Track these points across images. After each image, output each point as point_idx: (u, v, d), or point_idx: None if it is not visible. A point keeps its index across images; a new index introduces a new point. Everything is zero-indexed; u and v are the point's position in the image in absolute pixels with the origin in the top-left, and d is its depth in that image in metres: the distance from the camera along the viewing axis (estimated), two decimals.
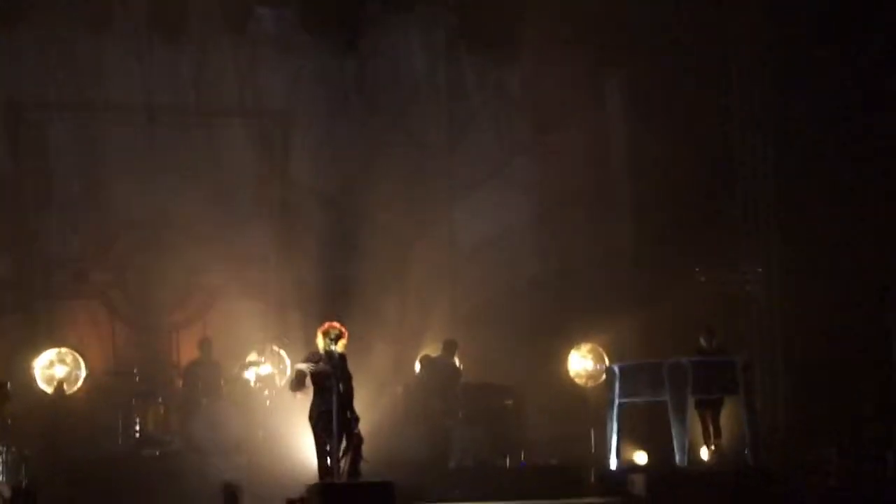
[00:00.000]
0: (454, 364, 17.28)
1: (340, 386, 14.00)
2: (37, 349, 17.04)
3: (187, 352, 17.65)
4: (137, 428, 16.44)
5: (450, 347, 17.38)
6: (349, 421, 14.05)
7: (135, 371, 17.03)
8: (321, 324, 14.70)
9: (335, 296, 18.40)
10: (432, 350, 17.60)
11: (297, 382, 14.08)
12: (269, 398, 16.49)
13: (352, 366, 14.45)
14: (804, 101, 17.51)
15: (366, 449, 14.19)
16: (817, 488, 14.76)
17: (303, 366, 13.98)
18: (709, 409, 16.16)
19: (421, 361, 17.62)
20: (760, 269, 17.52)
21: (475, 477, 15.70)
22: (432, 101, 18.99)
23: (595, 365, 17.87)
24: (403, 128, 18.60)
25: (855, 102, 17.22)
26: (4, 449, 14.34)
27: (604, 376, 17.19)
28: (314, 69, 18.34)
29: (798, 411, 17.40)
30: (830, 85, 17.27)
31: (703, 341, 16.41)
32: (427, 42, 18.79)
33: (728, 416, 16.25)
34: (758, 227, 18.24)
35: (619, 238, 18.67)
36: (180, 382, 17.13)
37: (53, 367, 16.71)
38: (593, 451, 16.65)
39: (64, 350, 16.86)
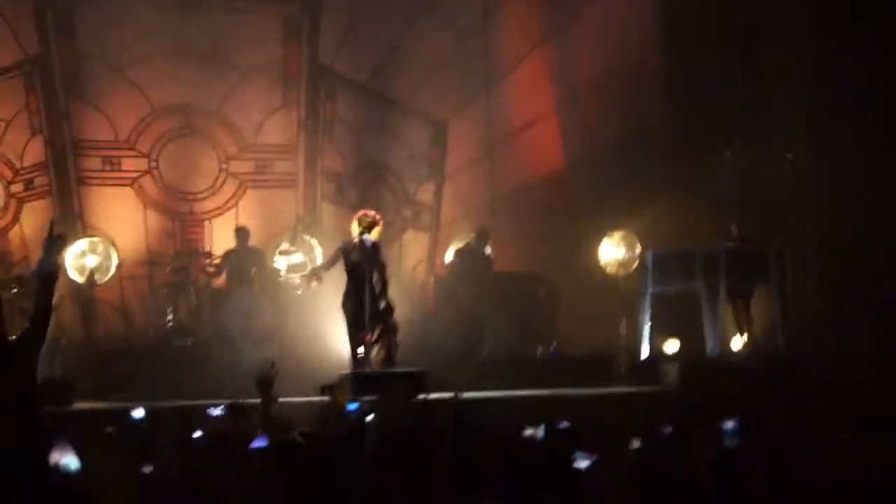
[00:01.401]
0: (486, 253, 17.25)
1: (374, 275, 14.06)
2: (69, 236, 17.04)
3: (221, 240, 17.61)
4: (169, 318, 16.46)
5: (482, 236, 17.35)
6: (382, 309, 14.11)
7: (167, 261, 17.07)
8: (354, 212, 14.77)
9: (368, 183, 18.39)
10: (465, 238, 17.54)
11: (311, 275, 14.33)
12: (301, 287, 16.44)
13: (386, 254, 14.51)
14: None
15: (399, 338, 14.28)
16: (844, 378, 14.68)
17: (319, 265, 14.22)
18: (741, 297, 16.11)
19: (454, 250, 17.59)
20: (790, 156, 17.27)
21: (507, 366, 15.72)
22: None
23: (627, 252, 17.70)
24: (435, 11, 18.34)
25: None
26: None
27: (636, 264, 17.17)
28: None
29: (830, 299, 17.28)
30: None
31: (734, 229, 16.33)
32: None
33: (760, 304, 16.23)
34: (789, 107, 17.94)
35: (651, 118, 18.39)
36: (212, 271, 17.10)
37: (85, 257, 16.64)
38: (625, 340, 16.59)
39: (96, 239, 16.82)
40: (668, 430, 8.72)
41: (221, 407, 10.47)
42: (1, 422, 6.96)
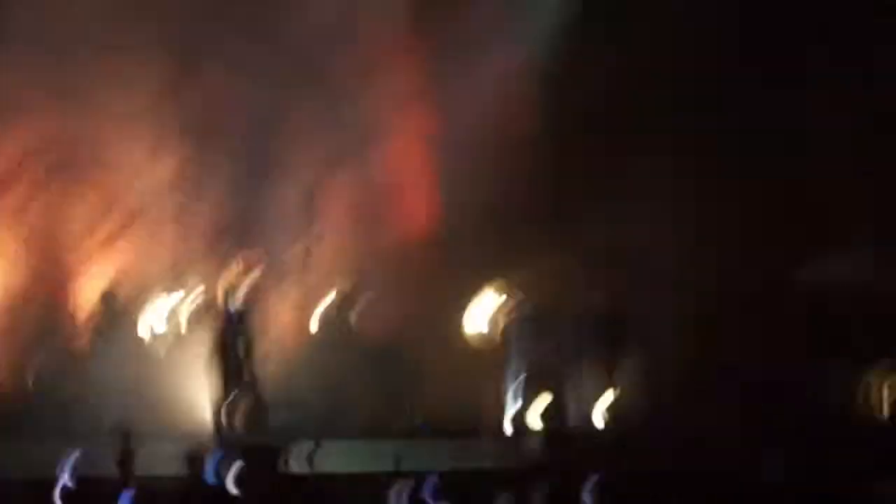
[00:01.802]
0: (352, 318, 17.21)
1: (240, 339, 14.06)
2: None
3: (88, 299, 17.45)
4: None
5: (348, 301, 17.31)
6: (248, 374, 14.10)
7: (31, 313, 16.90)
8: (223, 271, 14.70)
9: (238, 242, 18.31)
10: (331, 302, 17.52)
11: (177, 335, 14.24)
12: (166, 346, 16.31)
13: (253, 317, 14.49)
14: None
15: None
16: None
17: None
18: (604, 366, 16.29)
19: (319, 315, 17.55)
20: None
21: (372, 440, 15.62)
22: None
23: (492, 320, 17.78)
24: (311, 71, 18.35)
25: None
26: None
27: (500, 334, 17.23)
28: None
29: (691, 368, 17.55)
30: None
31: (596, 295, 16.50)
32: None
33: (621, 374, 16.42)
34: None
35: (520, 179, 18.51)
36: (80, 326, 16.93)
37: None
38: (490, 410, 16.65)
39: None
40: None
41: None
42: None
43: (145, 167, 17.92)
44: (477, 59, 18.39)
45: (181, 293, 17.09)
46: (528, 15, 18.43)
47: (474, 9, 18.16)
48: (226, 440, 13.37)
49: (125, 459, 10.49)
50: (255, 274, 15.13)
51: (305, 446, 11.28)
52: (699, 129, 17.67)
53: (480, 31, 18.29)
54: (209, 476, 10.71)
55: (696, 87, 17.81)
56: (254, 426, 14.05)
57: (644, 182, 17.88)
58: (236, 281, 14.20)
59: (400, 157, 18.81)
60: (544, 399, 16.52)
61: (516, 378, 16.22)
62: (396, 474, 12.76)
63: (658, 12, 17.82)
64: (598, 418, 16.16)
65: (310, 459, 10.76)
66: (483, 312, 17.77)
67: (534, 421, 16.34)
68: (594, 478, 12.06)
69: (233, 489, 10.10)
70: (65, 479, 10.44)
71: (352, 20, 18.27)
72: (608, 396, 16.34)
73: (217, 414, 14.00)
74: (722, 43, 17.59)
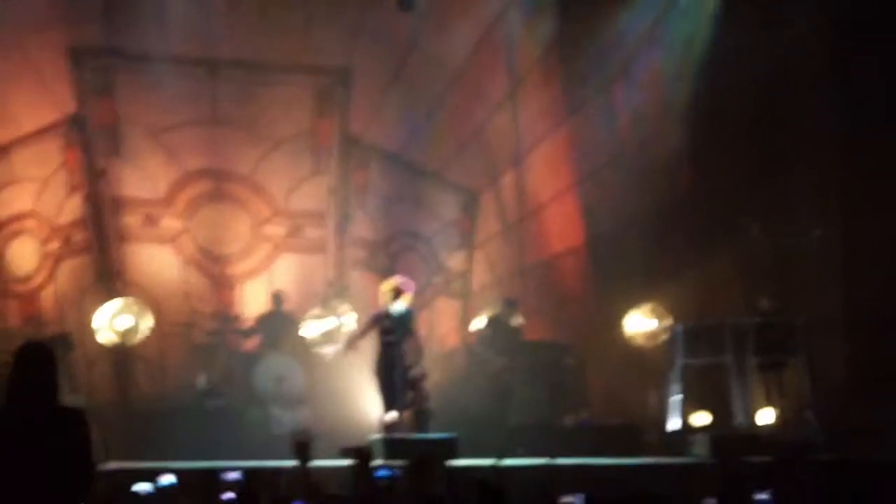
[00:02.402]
0: (514, 322, 17.30)
1: (406, 341, 14.21)
2: (106, 294, 17.15)
3: (252, 303, 17.72)
4: (202, 379, 16.53)
5: (510, 305, 17.40)
6: (414, 376, 14.22)
7: (203, 321, 17.18)
8: (385, 279, 14.94)
9: (399, 250, 18.49)
10: (494, 307, 17.61)
11: (349, 344, 14.45)
12: (331, 353, 16.54)
13: (417, 321, 14.66)
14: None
15: (430, 404, 14.37)
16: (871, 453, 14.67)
17: (353, 331, 14.82)
18: (770, 370, 16.15)
19: (483, 319, 17.64)
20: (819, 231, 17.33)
21: (536, 435, 15.72)
22: (493, 57, 18.79)
23: (656, 324, 17.71)
24: (464, 87, 18.47)
25: None
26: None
27: (665, 336, 17.22)
28: (372, 26, 18.15)
29: (859, 373, 17.30)
30: None
31: (763, 302, 16.39)
32: None
33: (789, 378, 16.25)
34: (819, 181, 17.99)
35: (675, 192, 18.41)
36: (246, 334, 17.22)
37: (119, 318, 16.72)
38: (653, 411, 16.64)
39: (129, 300, 16.90)
40: (712, 502, 8.75)
41: (238, 472, 10.46)
42: (56, 488, 6.98)
43: (303, 183, 18.23)
44: (626, 71, 18.37)
45: (344, 304, 17.34)
46: (678, 24, 18.33)
47: (621, 20, 18.13)
48: (391, 447, 13.49)
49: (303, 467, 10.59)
50: (416, 283, 15.27)
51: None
52: (864, 132, 17.41)
53: (628, 43, 18.27)
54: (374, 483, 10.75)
55: (858, 88, 17.56)
56: (422, 428, 14.16)
57: (806, 185, 17.76)
58: (398, 291, 14.34)
59: (553, 169, 18.86)
60: (708, 405, 16.44)
61: (679, 383, 16.12)
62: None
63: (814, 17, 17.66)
64: (764, 422, 15.97)
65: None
66: (643, 319, 17.74)
67: (699, 424, 16.23)
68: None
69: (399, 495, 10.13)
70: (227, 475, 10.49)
71: (502, 36, 18.41)
72: (773, 401, 16.14)
73: (384, 421, 14.13)
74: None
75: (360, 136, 18.48)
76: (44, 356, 7.17)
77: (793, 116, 17.90)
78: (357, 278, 18.28)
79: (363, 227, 18.56)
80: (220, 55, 17.77)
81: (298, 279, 18.08)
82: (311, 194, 18.42)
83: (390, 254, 18.55)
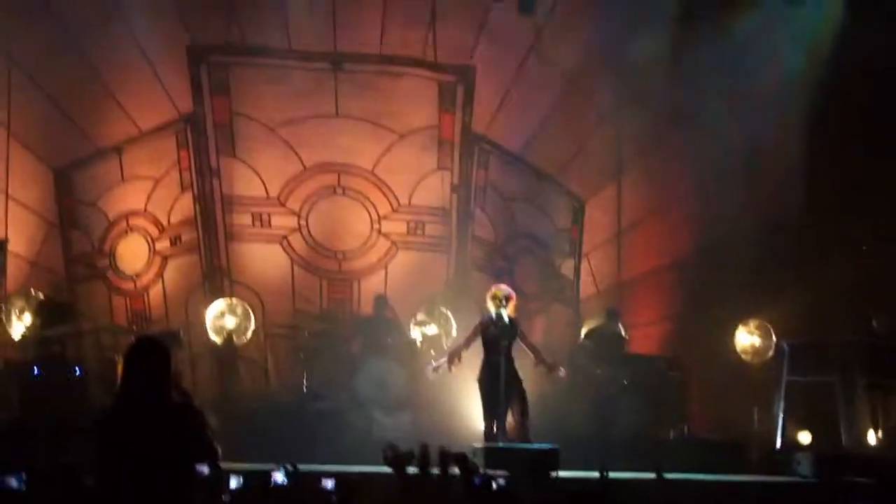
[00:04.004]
0: (619, 332, 17.21)
1: (509, 349, 14.12)
2: (214, 293, 17.28)
3: (368, 302, 17.74)
4: (305, 381, 16.60)
5: (613, 316, 17.32)
6: (519, 385, 14.13)
7: (306, 323, 17.25)
8: (501, 281, 14.89)
9: (516, 253, 18.43)
10: (598, 317, 17.52)
11: (450, 360, 14.26)
12: (434, 359, 16.49)
13: (524, 328, 14.58)
14: None
15: (531, 414, 14.27)
16: None
17: (457, 344, 14.53)
18: (879, 392, 15.93)
19: (587, 329, 17.56)
20: None
21: (638, 447, 15.60)
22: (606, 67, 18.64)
23: (762, 341, 17.53)
24: (578, 92, 18.35)
25: None
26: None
27: (770, 353, 17.04)
28: (496, 24, 18.08)
29: None
30: None
31: (875, 322, 16.16)
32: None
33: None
34: None
35: (788, 208, 18.17)
36: (349, 337, 17.25)
37: (223, 318, 16.84)
38: (757, 427, 16.47)
39: (235, 301, 17.01)
40: None
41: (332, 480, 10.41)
42: (171, 481, 7.02)
43: (418, 184, 18.19)
44: (743, 79, 18.15)
45: (449, 309, 17.33)
46: (795, 28, 18.08)
47: (737, 26, 17.90)
48: (494, 455, 13.41)
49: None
50: (532, 287, 15.23)
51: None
52: None
53: (744, 49, 18.03)
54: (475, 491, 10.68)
55: None
56: (525, 438, 14.07)
57: None
58: (505, 298, 14.25)
59: (664, 178, 18.70)
60: (814, 424, 16.26)
61: (783, 401, 15.95)
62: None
63: None
64: (873, 441, 15.75)
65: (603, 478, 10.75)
66: (749, 334, 17.56)
67: (805, 442, 16.06)
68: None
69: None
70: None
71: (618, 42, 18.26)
72: (879, 423, 15.91)
73: (489, 428, 14.05)
74: None
75: (483, 135, 18.43)
76: (157, 351, 7.24)
77: None
78: (475, 278, 18.18)
79: (482, 228, 18.52)
80: (342, 49, 17.77)
81: (416, 277, 18.06)
82: (433, 191, 18.38)
83: (507, 255, 18.48)
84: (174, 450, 7.01)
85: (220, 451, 7.41)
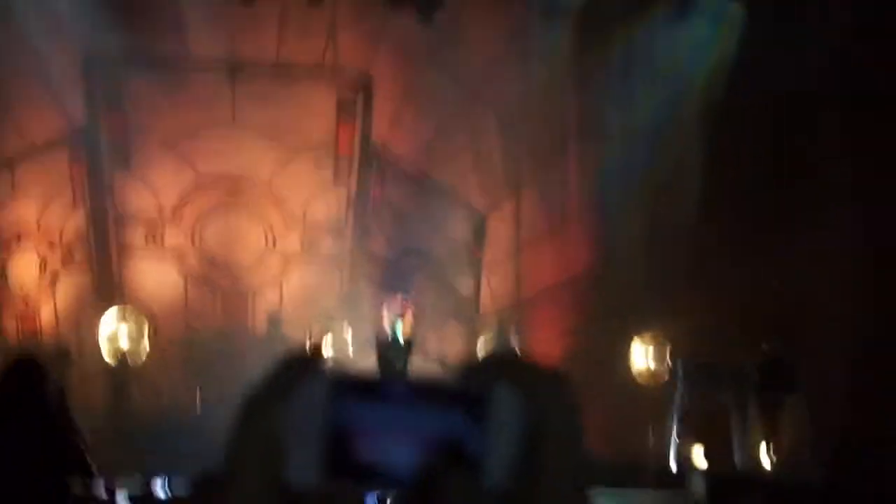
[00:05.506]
0: (513, 349, 17.17)
1: (405, 371, 14.07)
2: (105, 311, 17.09)
3: (263, 318, 17.64)
4: (198, 398, 16.45)
5: (505, 332, 17.27)
6: None
7: (200, 339, 17.12)
8: (394, 297, 14.77)
9: (411, 270, 18.32)
10: (493, 334, 17.50)
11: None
12: None
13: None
14: None
15: None
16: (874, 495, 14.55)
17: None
18: (770, 409, 16.06)
19: (481, 344, 17.52)
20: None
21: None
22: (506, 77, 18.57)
23: (656, 361, 17.60)
24: (476, 102, 18.29)
25: None
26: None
27: (666, 373, 17.12)
28: (393, 34, 18.00)
29: (862, 415, 17.15)
30: None
31: (764, 345, 16.29)
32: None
33: (790, 419, 16.14)
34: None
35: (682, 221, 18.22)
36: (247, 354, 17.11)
37: (118, 340, 16.65)
38: (652, 447, 16.54)
39: (125, 308, 16.81)
40: None
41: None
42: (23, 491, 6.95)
43: (314, 199, 18.11)
44: (640, 93, 18.22)
45: (348, 325, 17.22)
46: (702, 32, 18.14)
47: (641, 28, 17.96)
48: None
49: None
50: (422, 305, 15.14)
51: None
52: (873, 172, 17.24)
53: (640, 64, 18.10)
54: None
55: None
56: None
57: (813, 224, 17.56)
58: (403, 313, 14.19)
59: (563, 192, 18.71)
60: (708, 442, 16.35)
61: (679, 419, 16.04)
62: None
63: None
64: (766, 462, 15.88)
65: None
66: (644, 353, 17.62)
67: (699, 463, 16.14)
68: None
69: None
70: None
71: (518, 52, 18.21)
72: (776, 440, 16.04)
73: None
74: None
75: (381, 145, 18.33)
76: (35, 370, 7.14)
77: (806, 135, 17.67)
78: (369, 295, 18.10)
79: (377, 244, 18.42)
80: (239, 57, 17.63)
81: (311, 293, 17.92)
82: (329, 206, 18.29)
83: (402, 272, 18.40)
84: (44, 464, 6.92)
85: (93, 466, 7.33)
